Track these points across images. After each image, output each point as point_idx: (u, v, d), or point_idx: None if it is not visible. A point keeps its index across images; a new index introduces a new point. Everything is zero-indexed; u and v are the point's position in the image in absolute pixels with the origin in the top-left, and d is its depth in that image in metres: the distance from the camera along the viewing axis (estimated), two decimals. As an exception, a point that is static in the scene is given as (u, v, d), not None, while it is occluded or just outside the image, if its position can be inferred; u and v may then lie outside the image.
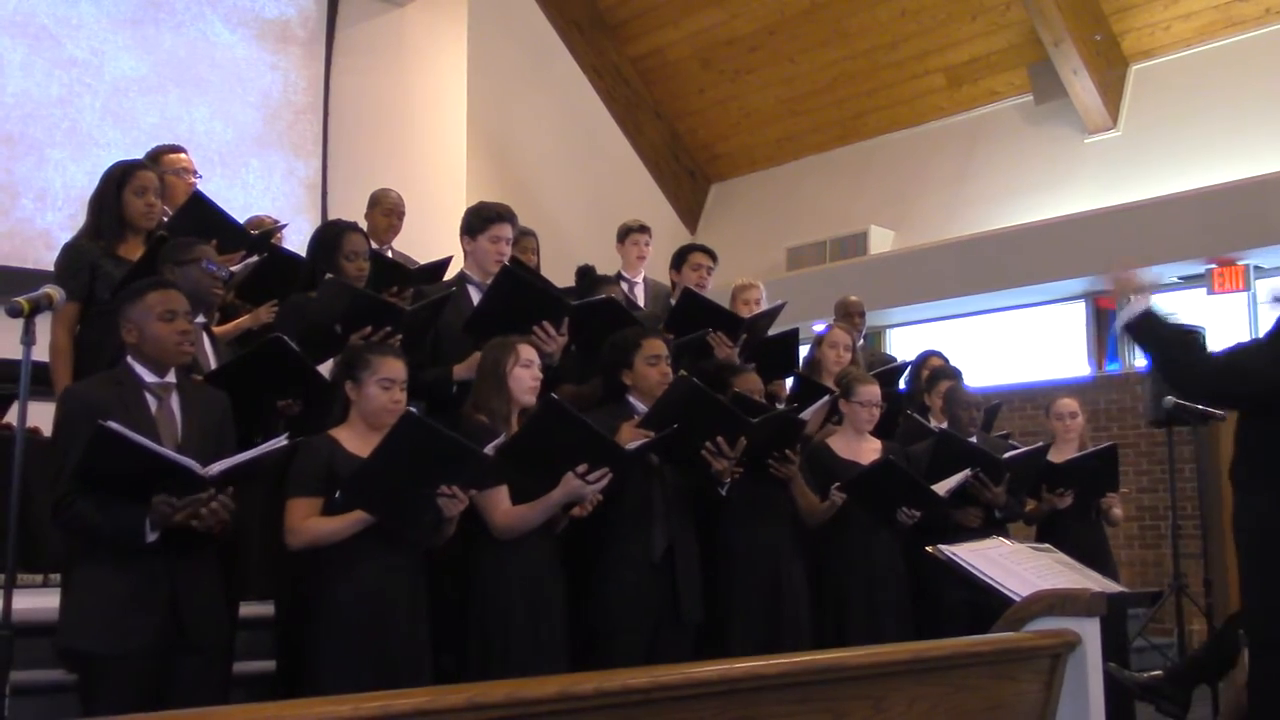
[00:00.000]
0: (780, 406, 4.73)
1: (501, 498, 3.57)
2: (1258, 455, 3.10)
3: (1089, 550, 4.78)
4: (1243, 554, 3.23)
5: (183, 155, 4.95)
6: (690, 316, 4.85)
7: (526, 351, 3.76)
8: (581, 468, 3.51)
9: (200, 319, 3.73)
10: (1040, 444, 5.20)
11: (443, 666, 3.52)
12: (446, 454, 3.23)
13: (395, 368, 3.46)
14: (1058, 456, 5.26)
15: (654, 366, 4.09)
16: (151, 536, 2.99)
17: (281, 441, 3.16)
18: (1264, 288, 8.21)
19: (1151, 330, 3.23)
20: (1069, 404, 5.56)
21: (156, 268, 3.70)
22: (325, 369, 3.97)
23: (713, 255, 5.61)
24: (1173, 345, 3.26)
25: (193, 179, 4.91)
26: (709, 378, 4.43)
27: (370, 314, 3.95)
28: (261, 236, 4.96)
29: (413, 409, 3.34)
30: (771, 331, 5.18)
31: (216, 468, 3.00)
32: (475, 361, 4.05)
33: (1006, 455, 4.94)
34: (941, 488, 4.56)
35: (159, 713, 1.64)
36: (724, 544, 4.28)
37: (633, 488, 3.83)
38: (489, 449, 3.33)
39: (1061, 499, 5.14)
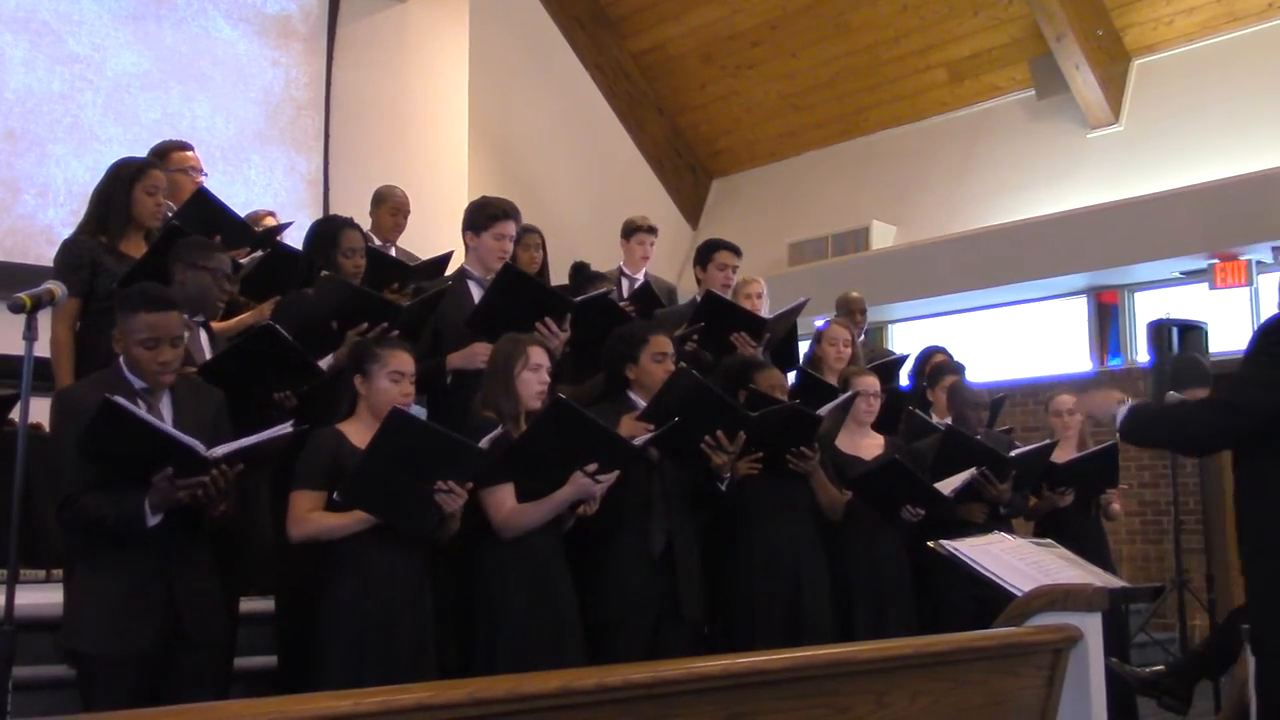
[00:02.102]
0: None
1: (505, 495, 3.56)
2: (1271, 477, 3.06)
3: (1088, 545, 4.76)
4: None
5: (190, 153, 4.94)
6: (712, 318, 4.84)
7: (536, 354, 3.74)
8: (591, 467, 3.50)
9: (199, 317, 3.73)
10: (1047, 441, 5.19)
11: (447, 663, 3.52)
12: (438, 449, 3.23)
13: (405, 361, 3.47)
14: (1057, 454, 5.24)
15: (660, 364, 4.08)
16: (153, 520, 2.99)
17: (287, 428, 3.15)
18: (1266, 283, 8.20)
19: (1141, 421, 3.28)
20: (1066, 400, 5.54)
21: (166, 263, 3.70)
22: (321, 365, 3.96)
23: (738, 252, 5.46)
24: (1164, 421, 3.31)
25: (200, 177, 4.90)
26: (732, 374, 4.42)
27: (367, 310, 3.94)
28: (265, 234, 4.97)
29: (397, 406, 3.33)
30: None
31: (220, 450, 2.99)
32: (471, 351, 4.05)
33: (1014, 453, 4.92)
34: (946, 486, 4.54)
35: (161, 708, 1.64)
36: (743, 542, 4.28)
37: (632, 483, 3.82)
38: (484, 442, 3.32)
39: (1063, 498, 5.13)
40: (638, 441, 3.66)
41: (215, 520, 3.14)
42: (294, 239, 5.33)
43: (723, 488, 4.06)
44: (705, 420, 3.89)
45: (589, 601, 3.81)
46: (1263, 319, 3.58)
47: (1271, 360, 3.01)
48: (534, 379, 3.70)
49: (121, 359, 3.19)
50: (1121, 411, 3.28)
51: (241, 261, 4.12)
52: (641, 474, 3.91)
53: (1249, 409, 3.01)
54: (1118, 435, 3.38)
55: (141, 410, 2.91)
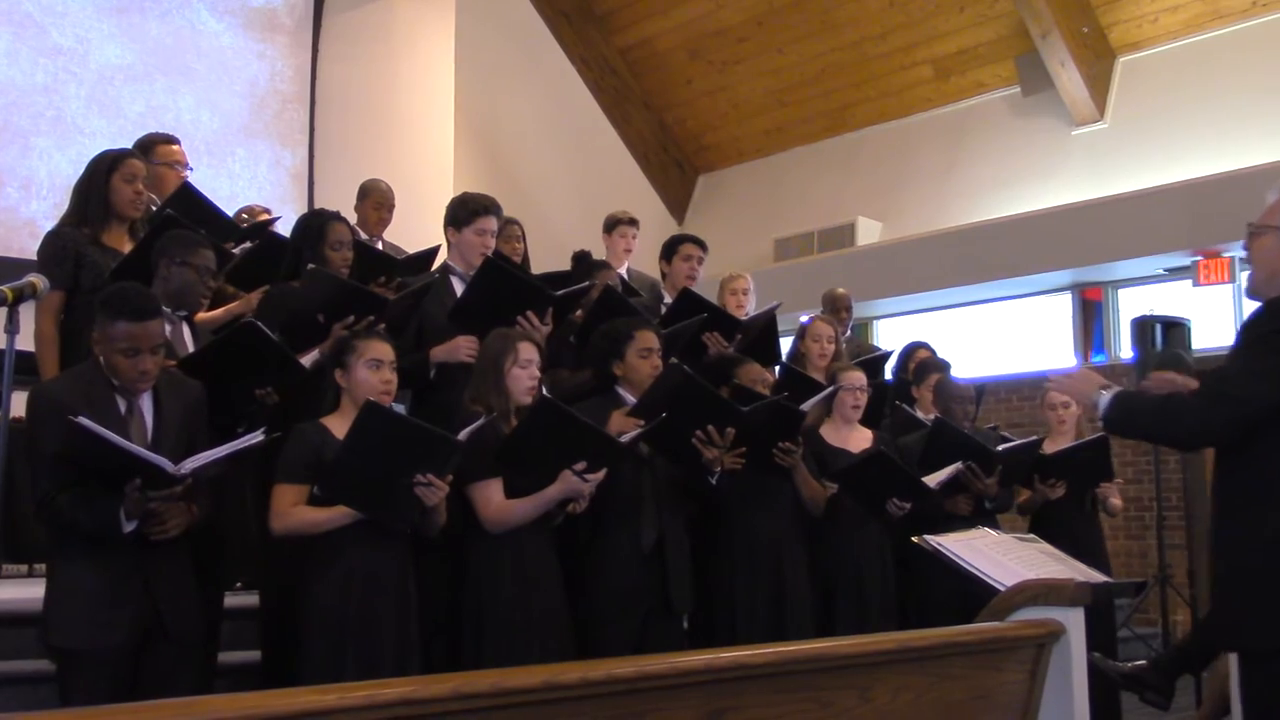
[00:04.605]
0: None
1: (494, 491, 3.56)
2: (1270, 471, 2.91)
3: (1081, 541, 4.76)
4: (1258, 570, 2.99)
5: (176, 147, 4.92)
6: (687, 315, 4.85)
7: (526, 350, 3.73)
8: (580, 465, 3.50)
9: (181, 311, 3.71)
10: (1034, 437, 5.19)
11: (433, 657, 3.52)
12: (415, 442, 3.23)
13: (382, 349, 3.46)
14: (1052, 446, 5.23)
15: (646, 360, 4.07)
16: (128, 527, 2.98)
17: (257, 437, 3.13)
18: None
19: (1129, 411, 3.07)
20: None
21: (152, 256, 3.68)
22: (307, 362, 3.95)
23: (703, 245, 5.54)
24: (1156, 413, 3.06)
25: (185, 172, 4.88)
26: (712, 370, 4.42)
27: (353, 303, 3.93)
28: (251, 228, 4.95)
29: (373, 399, 3.32)
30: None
31: (188, 465, 2.98)
32: (454, 345, 4.05)
33: (1002, 447, 4.92)
34: (932, 480, 4.55)
35: (140, 703, 1.63)
36: (725, 536, 4.28)
37: (623, 478, 3.82)
38: (464, 434, 3.31)
39: (1053, 489, 5.11)
40: (626, 438, 3.66)
41: (187, 529, 3.13)
42: (281, 231, 5.32)
43: (713, 482, 4.07)
44: (696, 415, 3.89)
45: (578, 596, 3.82)
46: (1245, 315, 3.48)
47: (1270, 350, 2.94)
48: (524, 375, 3.70)
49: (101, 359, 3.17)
50: (1104, 399, 3.10)
51: (234, 253, 4.11)
52: (632, 470, 3.91)
53: (1254, 400, 2.91)
54: (1100, 424, 3.26)
55: (105, 431, 2.85)
